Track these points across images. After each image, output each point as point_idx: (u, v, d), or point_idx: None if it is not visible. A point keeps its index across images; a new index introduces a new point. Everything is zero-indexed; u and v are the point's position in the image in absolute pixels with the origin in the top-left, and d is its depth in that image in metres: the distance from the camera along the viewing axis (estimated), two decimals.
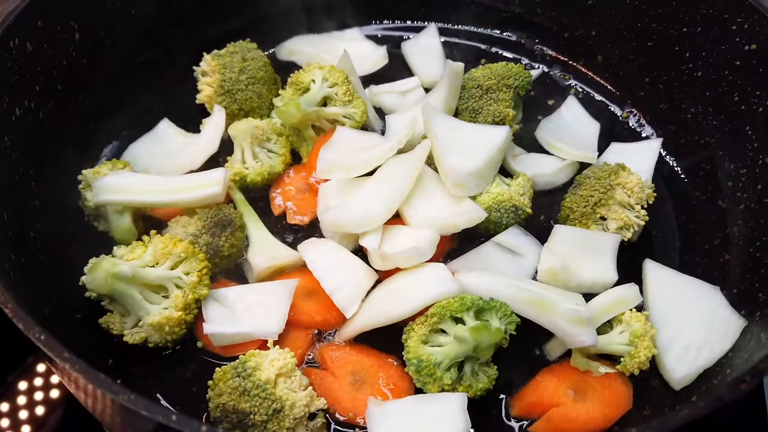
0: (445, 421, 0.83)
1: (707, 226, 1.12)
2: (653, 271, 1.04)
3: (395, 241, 1.02)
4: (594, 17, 1.35)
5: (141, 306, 0.90)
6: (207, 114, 1.26)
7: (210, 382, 0.85)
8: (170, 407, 0.90)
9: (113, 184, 1.00)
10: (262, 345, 0.93)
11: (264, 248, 1.05)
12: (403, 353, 0.90)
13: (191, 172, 1.15)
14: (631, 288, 0.98)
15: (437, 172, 1.09)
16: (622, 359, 0.92)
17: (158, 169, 1.16)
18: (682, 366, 0.91)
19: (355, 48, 1.39)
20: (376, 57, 1.40)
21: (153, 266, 0.93)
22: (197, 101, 1.26)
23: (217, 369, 0.86)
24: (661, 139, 1.23)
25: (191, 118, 1.26)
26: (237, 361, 0.85)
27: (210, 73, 1.24)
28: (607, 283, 1.02)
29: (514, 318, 0.89)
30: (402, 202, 1.04)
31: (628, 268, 1.04)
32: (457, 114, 1.22)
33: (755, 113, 1.07)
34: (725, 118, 1.14)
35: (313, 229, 1.12)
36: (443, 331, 0.90)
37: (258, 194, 1.16)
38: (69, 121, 1.11)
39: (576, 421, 0.87)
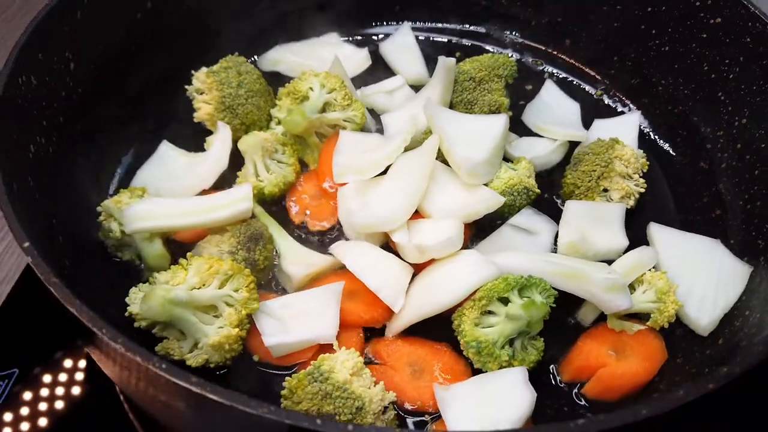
0: (512, 395, 0.88)
1: (694, 186, 1.22)
2: (658, 232, 1.13)
3: (423, 233, 1.05)
4: (559, 3, 1.44)
5: (198, 328, 0.90)
6: (202, 131, 1.26)
7: (284, 392, 0.87)
8: None
9: (144, 212, 0.98)
10: (317, 351, 0.95)
11: (297, 257, 1.07)
12: (458, 338, 0.95)
13: (204, 191, 1.15)
14: (646, 250, 1.07)
15: (444, 164, 1.14)
16: (651, 315, 1.00)
17: (169, 191, 1.14)
18: (704, 314, 1.00)
19: (338, 52, 1.41)
20: (359, 59, 1.43)
21: (200, 288, 0.93)
22: (195, 120, 1.25)
23: (288, 379, 0.88)
24: (638, 112, 1.33)
25: (188, 138, 1.26)
26: (310, 367, 0.87)
27: (206, 90, 1.23)
28: (620, 249, 1.10)
29: (552, 291, 0.96)
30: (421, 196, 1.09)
31: (634, 233, 1.13)
32: (452, 107, 1.27)
33: (726, 80, 1.18)
34: (696, 86, 1.25)
35: (329, 233, 1.15)
36: (491, 312, 0.95)
37: (271, 206, 1.17)
38: (74, 153, 1.08)
39: (622, 377, 0.95)
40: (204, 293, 0.92)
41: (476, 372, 0.95)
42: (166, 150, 1.22)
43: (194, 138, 1.26)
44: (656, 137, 1.32)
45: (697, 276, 1.05)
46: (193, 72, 1.27)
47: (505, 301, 0.94)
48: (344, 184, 1.13)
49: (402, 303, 0.99)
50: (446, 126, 1.15)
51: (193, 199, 1.03)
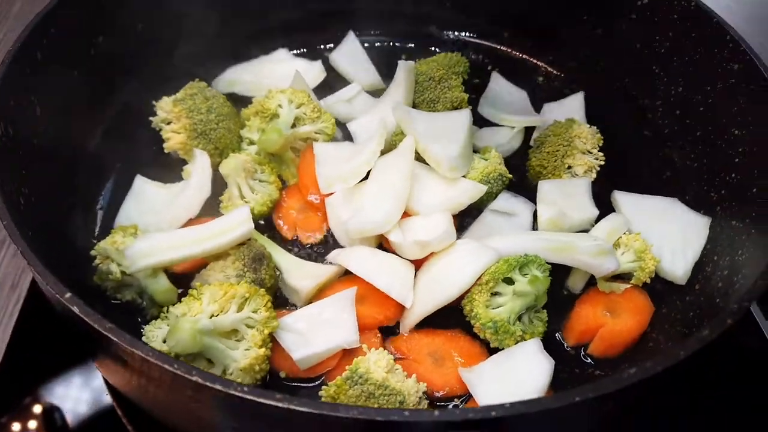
0: (532, 365, 0.95)
1: (643, 153, 1.34)
2: (621, 198, 1.24)
3: (419, 230, 1.10)
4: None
5: (226, 354, 0.91)
6: (172, 161, 1.25)
7: (325, 400, 0.89)
8: None
9: (146, 248, 0.98)
10: (341, 358, 0.98)
11: (301, 271, 1.09)
12: (472, 322, 1.01)
13: (191, 220, 1.14)
14: (617, 216, 1.17)
15: (420, 162, 1.20)
16: (634, 274, 1.10)
17: (155, 226, 1.13)
18: (678, 266, 1.11)
19: (292, 67, 1.44)
20: (314, 72, 1.46)
21: (219, 314, 0.93)
22: (166, 150, 1.24)
23: (325, 388, 0.91)
24: (582, 92, 1.44)
25: (159, 169, 1.25)
26: (347, 372, 0.90)
27: (174, 119, 1.22)
28: (592, 218, 1.20)
29: (547, 265, 1.03)
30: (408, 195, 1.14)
31: (600, 202, 1.23)
32: (414, 107, 1.33)
33: (658, 54, 1.30)
34: (631, 63, 1.37)
35: (321, 244, 1.18)
36: (498, 293, 1.02)
37: (258, 224, 1.18)
38: (51, 199, 1.05)
39: (621, 333, 1.04)
40: (226, 319, 0.92)
41: (492, 351, 1.02)
42: (142, 185, 1.20)
43: (165, 169, 1.25)
44: (601, 113, 1.43)
45: (663, 233, 1.16)
46: (154, 103, 1.26)
47: (508, 280, 1.01)
48: (331, 194, 1.16)
49: (412, 298, 1.03)
50: (418, 126, 1.20)
51: (193, 229, 1.03)
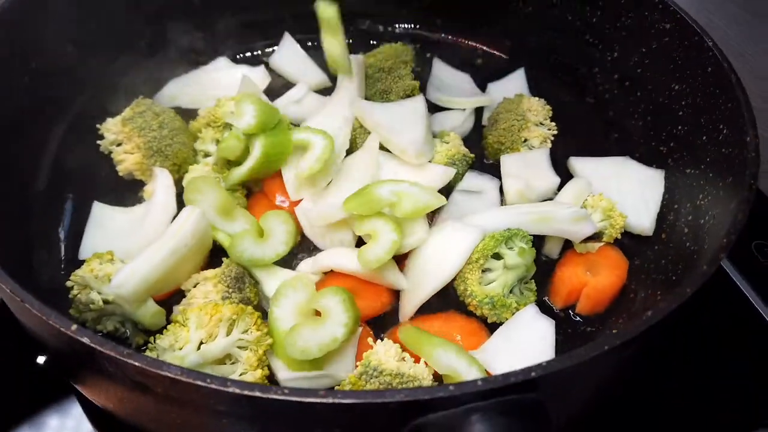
0: (536, 329, 0.98)
1: (589, 119, 1.40)
2: (578, 163, 1.29)
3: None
4: None
5: None
6: (126, 183, 1.20)
7: None
8: None
9: (129, 274, 0.93)
10: None
11: (279, 281, 1.06)
12: (467, 301, 1.03)
13: None
14: (579, 180, 1.22)
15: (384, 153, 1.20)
16: (605, 232, 1.15)
17: (125, 252, 1.07)
18: (643, 219, 1.17)
19: (235, 74, 1.41)
20: (259, 77, 1.43)
21: (208, 341, 0.90)
22: (120, 173, 1.18)
23: (343, 382, 0.90)
24: (522, 68, 1.49)
25: (113, 193, 1.19)
26: (360, 367, 0.89)
27: (125, 140, 1.16)
28: (554, 186, 1.24)
29: (529, 237, 1.06)
30: None
31: (558, 170, 1.28)
32: (367, 99, 1.33)
33: (590, 24, 1.36)
34: (565, 35, 1.43)
35: (297, 250, 1.15)
36: (488, 270, 1.04)
37: None
38: (9, 239, 0.98)
39: (604, 289, 1.09)
40: (215, 346, 0.89)
41: (489, 326, 1.04)
42: (101, 211, 1.14)
43: (122, 192, 1.20)
44: (543, 86, 1.49)
45: (622, 191, 1.22)
46: (98, 126, 1.20)
47: (496, 256, 1.03)
48: (300, 201, 1.15)
49: (405, 281, 1.04)
50: (378, 118, 1.21)
51: (161, 246, 0.98)
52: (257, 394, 0.61)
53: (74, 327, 0.64)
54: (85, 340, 0.64)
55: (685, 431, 1.07)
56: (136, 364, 0.62)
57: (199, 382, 0.62)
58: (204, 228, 1.03)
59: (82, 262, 1.04)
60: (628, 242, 1.18)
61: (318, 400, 0.61)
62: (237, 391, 0.61)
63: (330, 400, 0.61)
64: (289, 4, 1.49)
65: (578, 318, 1.09)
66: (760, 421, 1.07)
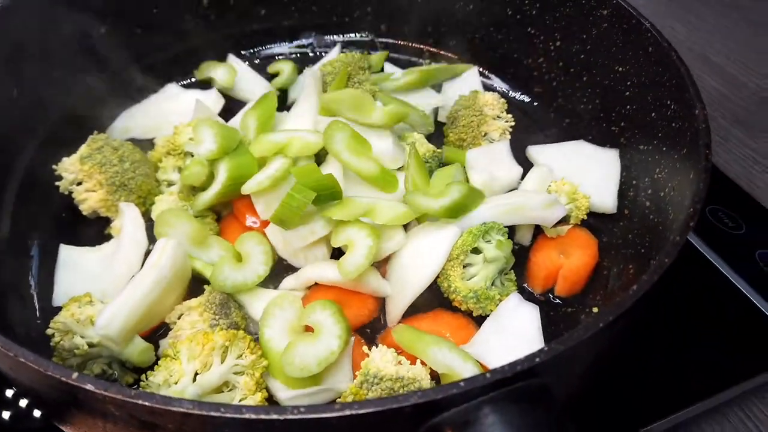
0: (523, 316, 1.01)
1: (540, 107, 1.46)
2: (536, 151, 1.34)
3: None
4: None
5: None
6: (90, 222, 1.17)
7: None
8: None
9: (114, 313, 0.91)
10: None
11: (262, 301, 1.05)
12: (450, 297, 1.05)
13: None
14: (540, 168, 1.26)
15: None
16: (571, 214, 1.19)
17: (100, 292, 1.05)
18: (605, 197, 1.22)
19: (187, 98, 1.39)
20: (212, 100, 1.41)
21: (202, 371, 0.89)
22: (84, 212, 1.15)
23: (343, 395, 0.90)
24: (475, 67, 1.52)
25: (78, 234, 1.16)
26: (359, 377, 0.89)
27: (85, 178, 1.14)
28: (518, 176, 1.27)
29: (504, 228, 1.09)
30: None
31: (517, 159, 1.32)
32: None
33: (530, 16, 1.41)
34: (506, 30, 1.47)
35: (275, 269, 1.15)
36: (468, 264, 1.06)
37: None
38: None
39: (579, 269, 1.13)
40: (212, 375, 0.88)
41: (475, 319, 1.06)
42: (69, 254, 1.11)
43: (85, 232, 1.17)
44: (493, 82, 1.53)
45: (581, 173, 1.26)
46: (54, 167, 1.17)
47: (475, 250, 1.06)
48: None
49: (389, 287, 1.05)
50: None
51: (140, 281, 0.96)
52: (274, 416, 0.61)
53: (75, 375, 0.63)
54: (89, 386, 0.62)
55: (665, 393, 1.12)
56: (146, 404, 0.61)
57: (213, 413, 0.61)
58: (182, 258, 1.01)
59: (58, 308, 1.02)
60: (594, 222, 1.22)
61: (335, 414, 0.61)
62: (253, 416, 0.61)
63: (347, 413, 0.61)
64: (225, 25, 1.49)
65: (558, 300, 1.13)
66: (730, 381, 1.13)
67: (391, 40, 1.63)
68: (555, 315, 1.11)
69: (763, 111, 1.79)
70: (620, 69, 1.25)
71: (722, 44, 1.97)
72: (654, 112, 1.15)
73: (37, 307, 1.05)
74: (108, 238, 1.16)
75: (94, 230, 1.17)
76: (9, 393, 1.04)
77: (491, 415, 0.65)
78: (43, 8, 1.19)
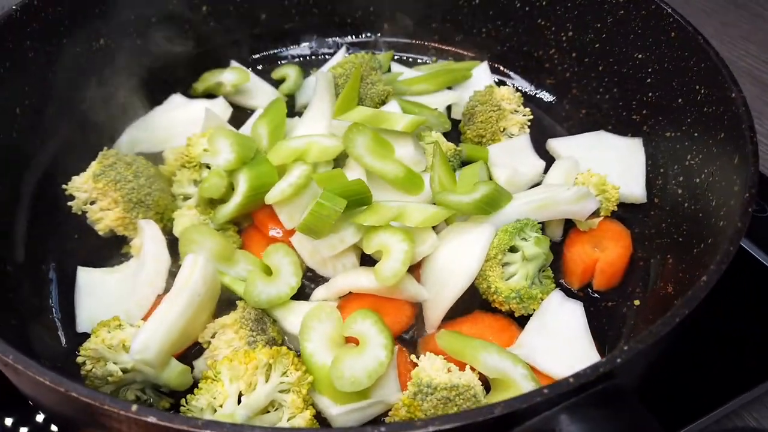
0: (567, 313, 0.99)
1: (555, 99, 1.43)
2: (557, 144, 1.31)
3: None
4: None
5: None
6: (106, 241, 1.12)
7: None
8: None
9: (149, 336, 0.86)
10: None
11: (296, 315, 1.01)
12: (491, 299, 1.01)
13: (159, 296, 1.03)
14: (565, 160, 1.24)
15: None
16: (602, 205, 1.16)
17: (125, 314, 1.00)
18: (634, 187, 1.20)
19: (193, 109, 1.35)
20: (221, 109, 1.37)
21: (247, 392, 0.85)
22: (100, 232, 1.10)
23: (392, 413, 0.87)
24: (486, 62, 1.49)
25: (93, 256, 1.11)
26: (412, 388, 0.86)
27: (99, 197, 1.08)
28: (541, 169, 1.26)
29: (538, 225, 1.06)
30: None
31: (539, 153, 1.30)
32: None
33: (539, 8, 1.39)
34: (514, 23, 1.45)
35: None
36: (507, 264, 1.03)
37: None
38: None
39: (615, 262, 1.11)
40: (259, 395, 0.84)
41: (517, 319, 1.03)
42: (87, 276, 1.06)
43: (101, 252, 1.12)
44: (504, 76, 1.50)
45: (606, 163, 1.24)
46: (64, 186, 1.11)
47: (512, 249, 1.03)
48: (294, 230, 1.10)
49: (425, 292, 1.02)
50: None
51: (173, 300, 0.92)
52: None
53: (135, 408, 0.58)
54: (151, 419, 0.58)
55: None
56: (186, 428, 0.57)
57: None
58: (212, 274, 0.97)
59: (83, 334, 0.97)
60: (623, 213, 1.20)
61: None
62: None
63: (431, 429, 0.58)
64: (226, 32, 1.46)
65: (596, 294, 1.10)
66: None
67: (394, 39, 1.59)
68: (595, 310, 1.08)
69: None
70: (639, 56, 1.23)
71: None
72: (680, 98, 1.13)
73: (61, 334, 1.00)
74: (125, 257, 1.12)
75: (109, 250, 1.12)
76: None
77: (575, 424, 0.62)
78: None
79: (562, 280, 1.12)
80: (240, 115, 1.39)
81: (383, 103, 1.30)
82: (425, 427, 0.58)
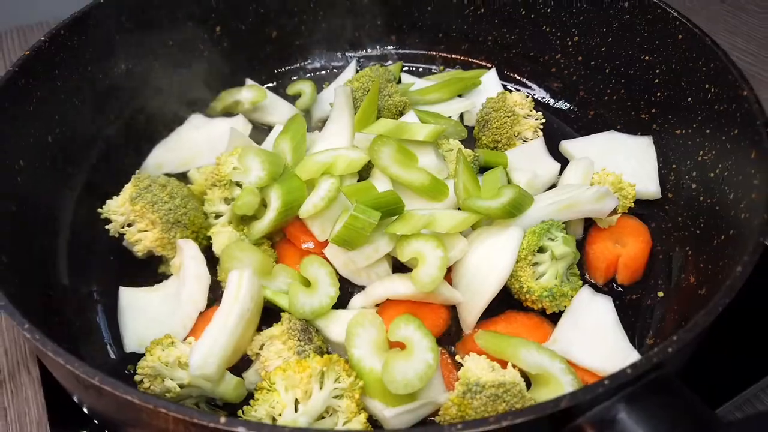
0: (598, 308, 1.04)
1: (563, 102, 1.48)
2: (570, 145, 1.36)
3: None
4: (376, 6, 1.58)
5: None
6: (141, 262, 1.15)
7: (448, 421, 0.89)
8: None
9: (208, 351, 0.89)
10: None
11: (338, 324, 1.04)
12: (523, 298, 1.06)
13: (201, 313, 1.06)
14: (580, 161, 1.28)
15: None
16: (619, 203, 1.21)
17: (170, 332, 1.02)
18: (648, 184, 1.25)
19: (216, 129, 1.38)
20: (241, 127, 1.40)
21: (304, 400, 0.88)
22: (139, 254, 1.12)
23: (441, 413, 0.90)
24: (494, 69, 1.54)
25: (132, 276, 1.14)
26: (460, 387, 0.89)
27: (137, 219, 1.11)
28: (556, 171, 1.30)
29: (562, 225, 1.11)
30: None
31: (552, 155, 1.34)
32: None
33: (544, 15, 1.44)
34: (519, 30, 1.50)
35: None
36: (537, 263, 1.07)
37: None
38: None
39: (636, 256, 1.16)
40: (315, 403, 0.87)
41: (549, 317, 1.07)
42: (130, 296, 1.09)
43: (140, 273, 1.14)
44: (512, 81, 1.55)
45: (618, 162, 1.29)
46: (99, 210, 1.14)
47: (540, 249, 1.07)
48: (326, 242, 1.14)
49: (459, 296, 1.06)
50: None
51: (227, 310, 0.95)
52: None
53: (223, 419, 0.62)
54: (240, 429, 0.61)
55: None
56: None
57: None
58: (258, 288, 1.00)
59: (132, 353, 1.00)
60: (639, 209, 1.24)
61: (494, 427, 0.61)
62: None
63: (504, 424, 0.62)
64: (239, 50, 1.49)
65: (620, 288, 1.15)
66: None
67: (402, 50, 1.63)
68: (622, 303, 1.13)
69: None
70: (646, 58, 1.28)
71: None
72: (690, 97, 1.18)
73: (112, 352, 1.02)
74: (162, 276, 1.14)
75: (147, 270, 1.14)
76: None
77: (633, 410, 0.66)
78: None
79: (586, 276, 1.16)
80: (257, 131, 1.43)
81: (401, 113, 1.34)
82: (499, 422, 0.62)
